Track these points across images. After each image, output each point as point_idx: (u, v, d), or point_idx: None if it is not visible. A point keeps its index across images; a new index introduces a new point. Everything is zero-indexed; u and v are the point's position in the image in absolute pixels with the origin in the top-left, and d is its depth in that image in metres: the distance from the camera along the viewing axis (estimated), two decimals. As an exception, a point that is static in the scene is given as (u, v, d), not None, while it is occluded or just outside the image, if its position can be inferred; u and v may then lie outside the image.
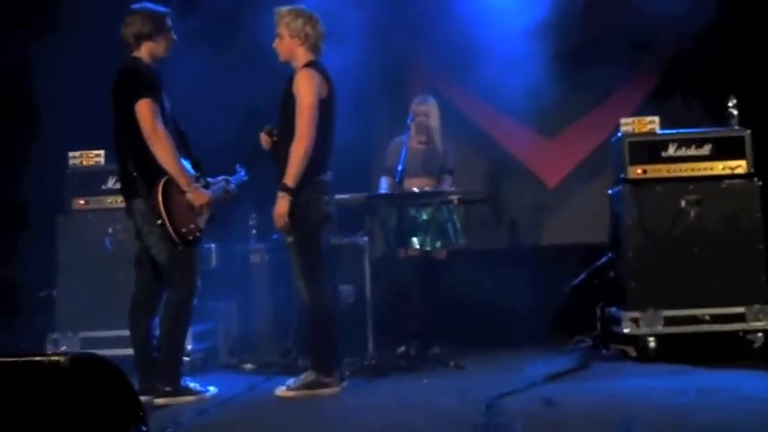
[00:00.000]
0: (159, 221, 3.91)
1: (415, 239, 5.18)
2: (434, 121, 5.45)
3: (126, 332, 4.18)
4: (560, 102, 6.12)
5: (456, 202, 5.11)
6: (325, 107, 4.12)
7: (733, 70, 5.87)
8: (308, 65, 4.14)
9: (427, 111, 5.42)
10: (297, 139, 4.04)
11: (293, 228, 4.07)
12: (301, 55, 4.18)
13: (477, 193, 5.46)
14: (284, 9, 4.22)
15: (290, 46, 4.19)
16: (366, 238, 5.11)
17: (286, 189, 4.03)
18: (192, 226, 4.01)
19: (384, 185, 5.41)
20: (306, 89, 4.07)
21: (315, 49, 4.20)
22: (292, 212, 4.04)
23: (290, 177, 4.03)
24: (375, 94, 6.26)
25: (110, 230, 5.00)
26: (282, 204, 4.04)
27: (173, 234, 3.92)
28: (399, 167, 4.95)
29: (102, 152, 5.19)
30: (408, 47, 6.57)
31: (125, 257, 4.53)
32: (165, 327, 4.07)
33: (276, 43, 4.24)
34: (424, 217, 5.19)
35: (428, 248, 5.21)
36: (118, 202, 4.77)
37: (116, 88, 4.03)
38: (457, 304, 5.36)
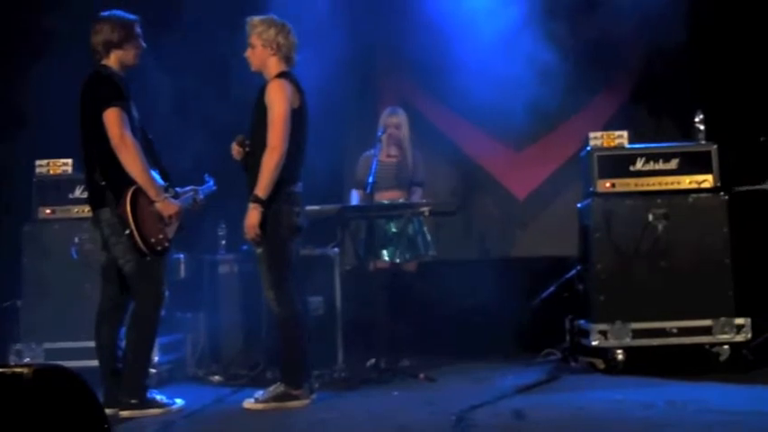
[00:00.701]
0: (127, 231, 3.86)
1: (385, 252, 5.18)
2: (404, 133, 5.46)
3: (91, 343, 4.12)
4: (530, 115, 6.16)
5: (426, 213, 5.11)
6: (298, 118, 4.11)
7: (700, 86, 5.97)
8: (281, 75, 4.13)
9: (397, 123, 5.43)
10: (269, 149, 4.01)
11: (263, 238, 4.05)
12: (273, 65, 4.16)
13: (447, 205, 5.45)
14: (256, 19, 4.20)
15: (261, 56, 4.17)
16: (336, 250, 5.09)
17: (257, 200, 4.00)
18: (161, 236, 3.96)
19: (355, 199, 5.40)
20: (278, 99, 4.05)
21: (287, 59, 4.18)
22: (263, 223, 4.01)
23: (262, 188, 4.01)
24: (346, 106, 6.26)
25: (76, 240, 4.92)
26: (253, 215, 4.01)
27: (141, 244, 3.88)
28: (370, 179, 4.95)
29: (69, 161, 5.12)
30: (379, 58, 6.59)
31: (91, 267, 4.47)
32: (131, 338, 4.02)
33: (248, 53, 4.21)
34: (394, 229, 5.20)
35: (398, 260, 5.21)
36: (85, 211, 4.70)
37: (84, 96, 3.98)
38: (427, 316, 5.36)
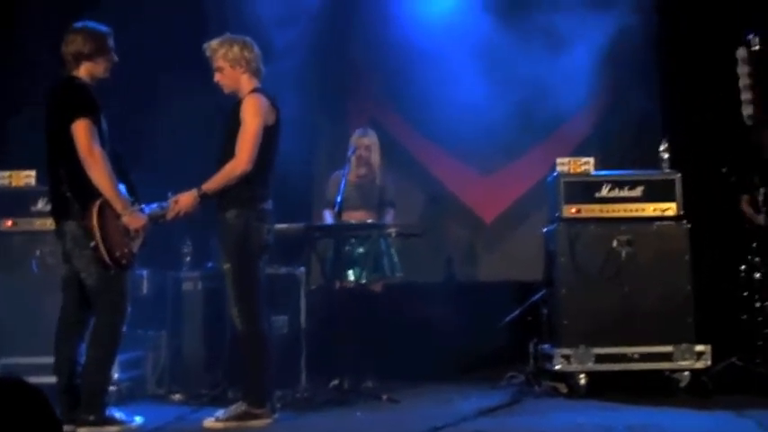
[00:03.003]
0: (92, 244, 3.81)
1: (351, 272, 5.16)
2: (375, 154, 5.48)
3: (50, 359, 4.03)
4: (499, 140, 6.24)
5: (393, 234, 5.12)
6: (271, 134, 4.10)
7: (666, 115, 6.08)
8: (255, 91, 4.12)
9: (368, 144, 5.44)
10: (236, 159, 3.99)
11: (231, 255, 4.02)
12: (245, 82, 4.15)
13: (414, 227, 5.47)
14: (215, 42, 4.15)
15: (233, 76, 4.14)
16: (303, 269, 5.07)
17: (201, 192, 3.99)
18: (126, 250, 3.92)
19: (328, 219, 5.39)
20: (253, 114, 4.03)
21: (257, 73, 4.18)
22: (231, 239, 3.99)
23: (212, 186, 4.00)
24: (316, 124, 6.27)
25: (37, 253, 4.84)
26: (189, 201, 3.98)
27: (106, 257, 3.83)
28: (338, 198, 4.95)
29: (32, 173, 5.04)
30: (352, 78, 6.61)
31: (52, 281, 4.38)
32: (91, 354, 3.95)
33: (217, 78, 4.17)
34: (361, 249, 5.19)
35: (364, 281, 5.20)
36: (47, 224, 4.60)
37: (52, 107, 3.93)
38: (392, 338, 5.35)
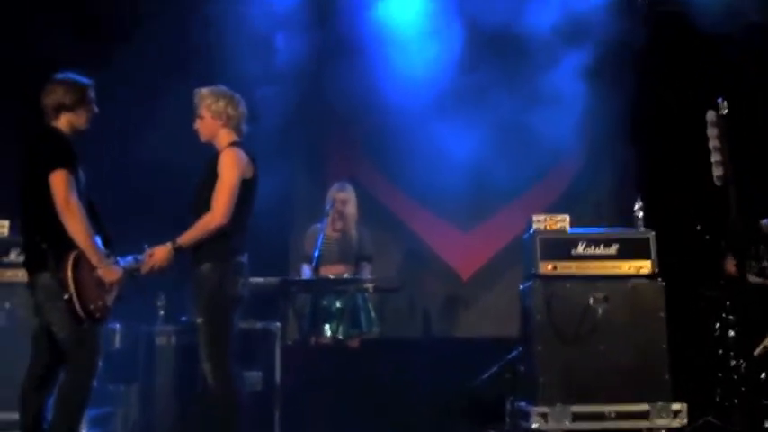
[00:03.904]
0: (66, 296, 3.75)
1: (328, 327, 5.13)
2: (352, 208, 5.50)
3: (16, 415, 3.92)
4: (476, 197, 6.29)
5: (370, 290, 5.11)
6: (248, 188, 4.10)
7: (641, 174, 6.17)
8: (234, 144, 4.14)
9: (345, 198, 5.47)
10: (212, 213, 3.96)
11: (205, 309, 3.97)
12: (224, 136, 4.16)
13: (391, 282, 5.46)
14: (205, 90, 4.21)
15: (211, 127, 4.17)
16: (278, 324, 5.02)
17: (176, 246, 3.96)
18: (101, 303, 3.85)
19: (306, 273, 5.36)
20: (230, 168, 4.04)
21: (237, 129, 4.20)
22: (205, 292, 3.95)
23: (187, 239, 3.97)
24: (294, 179, 6.29)
25: (7, 305, 4.76)
26: (164, 255, 3.95)
27: (79, 310, 3.76)
28: (316, 253, 4.94)
29: (6, 222, 4.99)
30: (331, 132, 6.67)
31: (23, 335, 4.29)
32: (59, 409, 3.84)
33: (197, 124, 4.20)
34: (338, 305, 5.16)
35: (341, 336, 5.16)
36: (19, 276, 4.53)
37: (30, 157, 3.90)
38: (368, 394, 5.28)
